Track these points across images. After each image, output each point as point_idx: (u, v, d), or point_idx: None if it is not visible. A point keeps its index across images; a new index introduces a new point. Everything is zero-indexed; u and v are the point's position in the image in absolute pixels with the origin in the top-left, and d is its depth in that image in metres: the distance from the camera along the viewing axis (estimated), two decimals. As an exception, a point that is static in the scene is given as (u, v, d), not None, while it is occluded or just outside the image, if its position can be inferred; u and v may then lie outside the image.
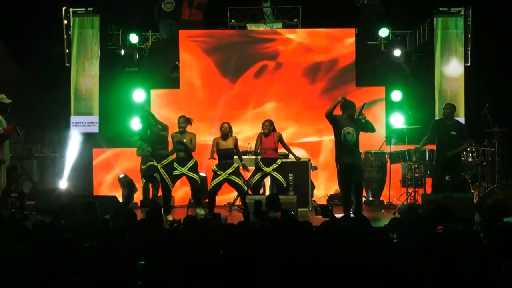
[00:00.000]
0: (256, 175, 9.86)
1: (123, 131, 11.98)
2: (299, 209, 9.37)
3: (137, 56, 12.75)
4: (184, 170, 9.57)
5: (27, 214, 9.06)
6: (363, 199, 10.48)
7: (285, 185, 9.83)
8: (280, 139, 9.91)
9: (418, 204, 9.80)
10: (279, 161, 9.84)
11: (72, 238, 4.73)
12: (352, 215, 8.72)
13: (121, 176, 11.57)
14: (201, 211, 9.73)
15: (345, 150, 8.90)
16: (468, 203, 8.75)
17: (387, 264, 4.12)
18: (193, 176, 9.62)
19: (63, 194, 10.06)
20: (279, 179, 9.77)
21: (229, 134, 9.66)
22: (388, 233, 5.66)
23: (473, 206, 8.92)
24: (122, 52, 12.78)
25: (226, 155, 9.59)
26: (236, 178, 9.59)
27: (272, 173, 9.81)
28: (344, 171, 8.97)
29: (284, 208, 7.46)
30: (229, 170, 9.55)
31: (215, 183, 9.56)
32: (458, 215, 6.59)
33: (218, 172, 9.56)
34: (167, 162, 9.51)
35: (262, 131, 9.85)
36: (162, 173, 9.47)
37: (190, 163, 9.62)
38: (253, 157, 10.19)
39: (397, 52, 12.33)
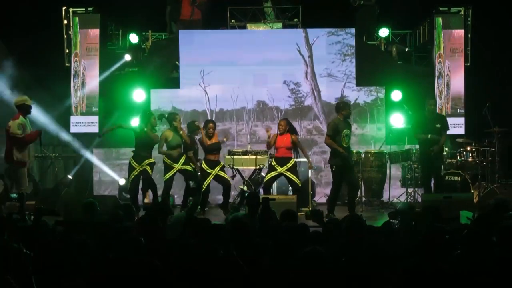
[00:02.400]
0: (269, 174, 9.86)
1: (123, 131, 11.94)
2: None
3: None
4: (178, 166, 9.85)
5: (27, 214, 9.04)
6: (363, 199, 10.54)
7: (300, 185, 9.81)
8: (295, 142, 9.88)
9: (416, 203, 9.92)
10: (292, 161, 9.83)
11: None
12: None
13: (122, 183, 11.55)
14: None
15: (344, 151, 9.29)
16: (468, 203, 8.75)
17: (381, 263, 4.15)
18: (187, 168, 9.90)
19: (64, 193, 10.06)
20: (293, 179, 9.75)
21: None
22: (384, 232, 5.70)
23: (473, 206, 8.93)
24: (127, 57, 12.64)
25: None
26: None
27: (286, 174, 9.79)
28: (341, 171, 9.35)
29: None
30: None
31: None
32: (457, 215, 6.63)
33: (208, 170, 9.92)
34: (149, 162, 9.77)
35: (278, 131, 9.94)
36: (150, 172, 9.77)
37: (182, 159, 9.90)
38: (253, 157, 10.20)
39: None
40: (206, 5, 12.75)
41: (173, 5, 12.92)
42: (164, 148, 9.88)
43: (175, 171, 9.83)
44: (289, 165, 9.76)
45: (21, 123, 8.93)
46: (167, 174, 9.83)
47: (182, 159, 9.87)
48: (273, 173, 9.80)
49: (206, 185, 9.87)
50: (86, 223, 6.25)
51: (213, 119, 11.99)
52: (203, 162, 10.03)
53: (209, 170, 9.91)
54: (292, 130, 9.91)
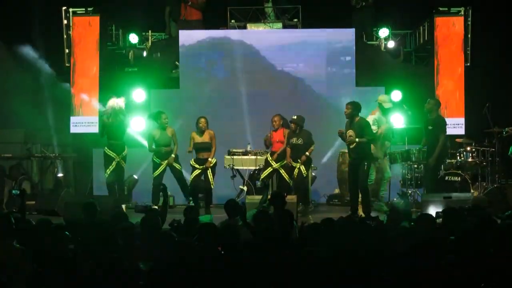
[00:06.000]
0: (265, 172, 9.91)
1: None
2: (299, 209, 9.36)
3: (136, 56, 12.77)
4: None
5: (26, 213, 9.01)
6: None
7: (291, 184, 9.83)
8: (285, 136, 9.93)
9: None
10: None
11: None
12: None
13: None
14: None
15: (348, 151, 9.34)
16: (468, 203, 8.74)
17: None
18: (175, 165, 9.99)
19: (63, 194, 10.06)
20: (285, 177, 9.78)
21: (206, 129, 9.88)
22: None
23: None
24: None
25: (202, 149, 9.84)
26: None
27: (280, 170, 9.84)
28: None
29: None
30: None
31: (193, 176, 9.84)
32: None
33: (195, 166, 9.83)
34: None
35: (272, 127, 9.95)
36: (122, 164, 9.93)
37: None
38: (253, 157, 10.23)
39: (390, 44, 12.50)
40: (203, 5, 12.73)
41: (172, 6, 12.91)
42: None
43: (164, 167, 9.97)
44: (284, 162, 9.81)
45: (376, 118, 9.19)
46: (156, 172, 9.97)
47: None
48: (269, 170, 9.88)
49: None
50: (86, 223, 6.26)
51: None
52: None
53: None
54: (285, 124, 9.99)
